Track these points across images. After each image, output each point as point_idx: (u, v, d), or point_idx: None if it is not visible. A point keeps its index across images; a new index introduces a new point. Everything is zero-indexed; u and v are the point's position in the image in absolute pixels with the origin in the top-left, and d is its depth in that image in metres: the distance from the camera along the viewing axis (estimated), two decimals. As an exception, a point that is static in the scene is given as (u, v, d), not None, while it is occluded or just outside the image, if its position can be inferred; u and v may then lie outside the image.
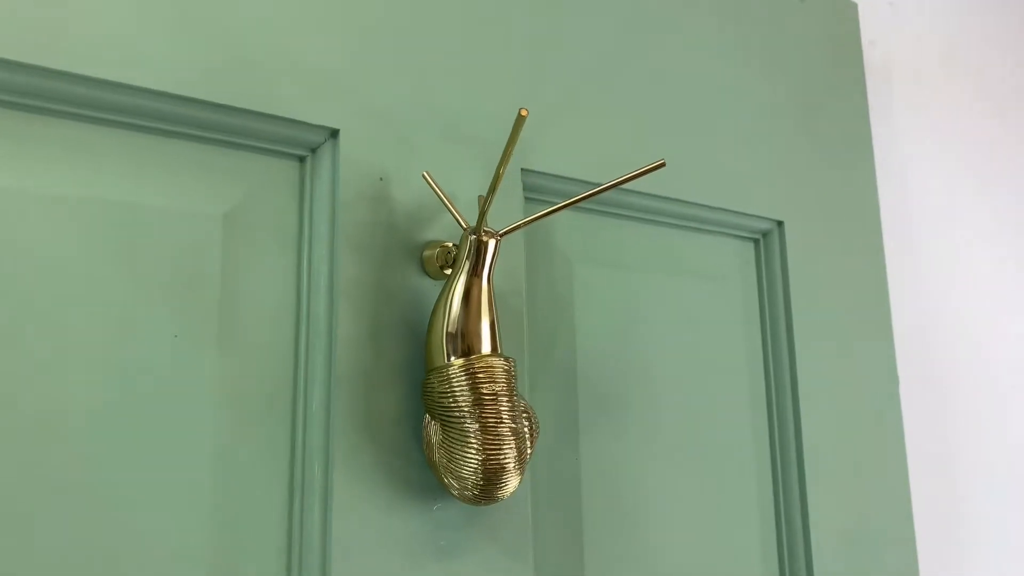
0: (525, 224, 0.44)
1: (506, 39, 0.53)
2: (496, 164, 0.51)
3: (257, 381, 0.42)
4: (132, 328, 0.39)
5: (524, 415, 0.44)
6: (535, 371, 0.52)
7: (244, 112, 0.43)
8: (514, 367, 0.43)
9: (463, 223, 0.44)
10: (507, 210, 0.51)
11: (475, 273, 0.43)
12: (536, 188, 0.54)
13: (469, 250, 0.43)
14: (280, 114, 0.43)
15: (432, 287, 0.47)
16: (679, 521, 0.57)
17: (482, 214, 0.42)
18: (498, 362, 0.42)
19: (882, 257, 0.72)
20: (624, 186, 0.57)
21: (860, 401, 0.67)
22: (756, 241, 0.67)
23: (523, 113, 0.36)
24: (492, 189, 0.41)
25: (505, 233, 0.44)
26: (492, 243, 0.44)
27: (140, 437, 0.39)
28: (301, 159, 0.46)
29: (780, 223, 0.66)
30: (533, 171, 0.53)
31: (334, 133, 0.45)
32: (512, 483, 0.43)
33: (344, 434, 0.42)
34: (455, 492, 0.43)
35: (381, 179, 0.46)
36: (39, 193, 0.38)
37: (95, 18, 0.39)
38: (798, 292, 0.65)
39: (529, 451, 0.45)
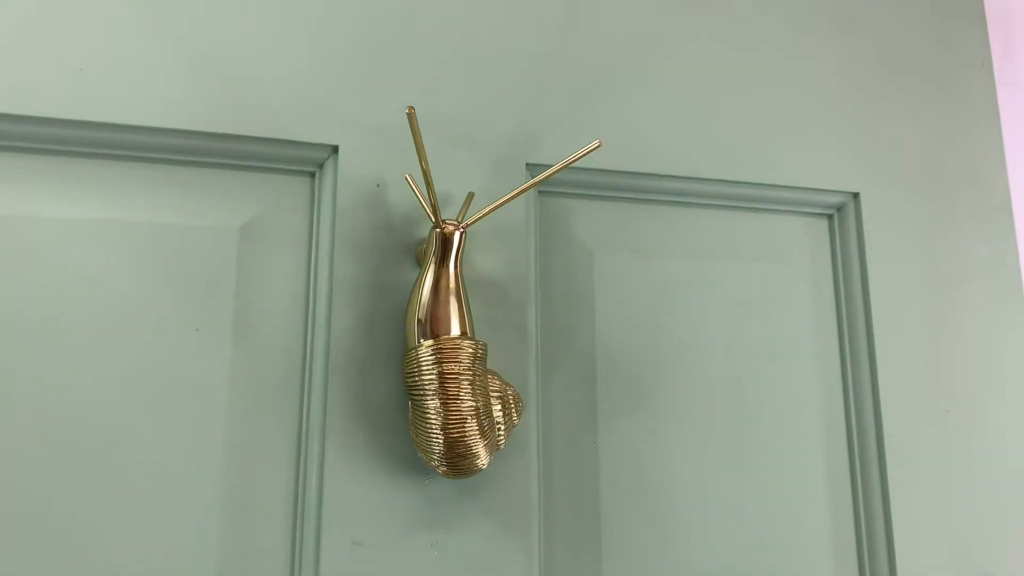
0: (485, 215, 0.47)
1: (505, 37, 0.55)
2: (496, 162, 0.54)
3: (268, 368, 0.49)
4: (161, 323, 0.48)
5: (495, 395, 0.47)
6: (549, 359, 0.54)
7: (255, 139, 0.50)
8: (482, 349, 0.46)
9: (432, 218, 0.47)
10: (514, 204, 0.53)
11: (442, 263, 0.47)
12: (548, 181, 0.56)
13: (436, 243, 0.47)
14: (285, 137, 0.50)
15: (425, 280, 0.50)
16: (717, 517, 0.55)
17: (434, 209, 0.46)
18: (465, 343, 0.45)
19: (1010, 220, 0.63)
20: (658, 171, 0.57)
21: (967, 395, 0.59)
22: (829, 217, 0.62)
23: (409, 111, 0.39)
24: (426, 183, 0.44)
25: (468, 225, 0.47)
26: (457, 235, 0.47)
27: (166, 415, 0.47)
28: (311, 175, 0.52)
29: (855, 195, 0.61)
30: (541, 165, 0.55)
31: (335, 149, 0.51)
32: (479, 458, 0.45)
33: (338, 414, 0.48)
34: (431, 466, 0.46)
35: (378, 185, 0.51)
36: (89, 219, 0.48)
37: (122, 73, 0.48)
38: (877, 271, 0.59)
39: (502, 428, 0.47)
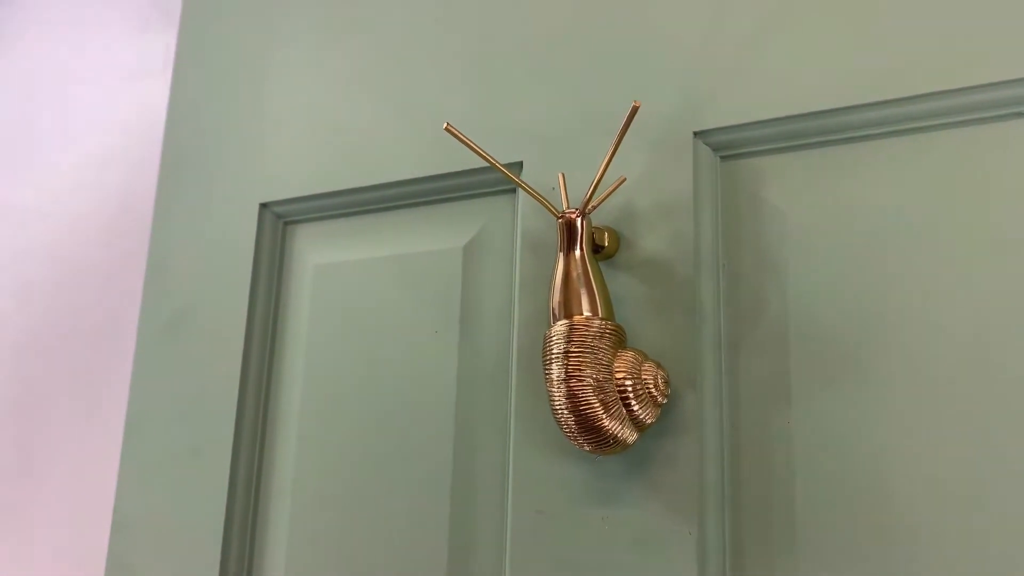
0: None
1: (656, 12, 0.54)
2: (660, 139, 0.53)
3: (485, 360, 0.58)
4: (414, 330, 0.61)
5: (625, 371, 0.47)
6: (734, 335, 0.50)
7: (465, 172, 0.60)
8: (610, 328, 0.47)
9: (552, 210, 0.50)
10: (678, 177, 0.52)
11: (569, 250, 0.49)
12: (730, 145, 0.53)
13: (562, 232, 0.50)
14: (484, 164, 0.59)
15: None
16: (965, 528, 0.42)
17: (540, 200, 0.49)
18: (594, 322, 0.47)
19: None
20: (867, 100, 0.49)
21: None
22: None
23: (446, 127, 0.44)
24: (508, 179, 0.48)
25: (591, 209, 0.49)
26: (579, 221, 0.49)
27: (415, 397, 0.60)
28: (513, 191, 0.60)
29: None
30: (710, 130, 0.52)
31: (520, 164, 0.58)
32: (611, 433, 0.46)
33: (524, 397, 0.54)
34: (574, 444, 0.48)
35: (553, 189, 0.56)
36: (368, 259, 0.64)
37: (378, 143, 0.64)
38: None
39: (633, 405, 0.46)
